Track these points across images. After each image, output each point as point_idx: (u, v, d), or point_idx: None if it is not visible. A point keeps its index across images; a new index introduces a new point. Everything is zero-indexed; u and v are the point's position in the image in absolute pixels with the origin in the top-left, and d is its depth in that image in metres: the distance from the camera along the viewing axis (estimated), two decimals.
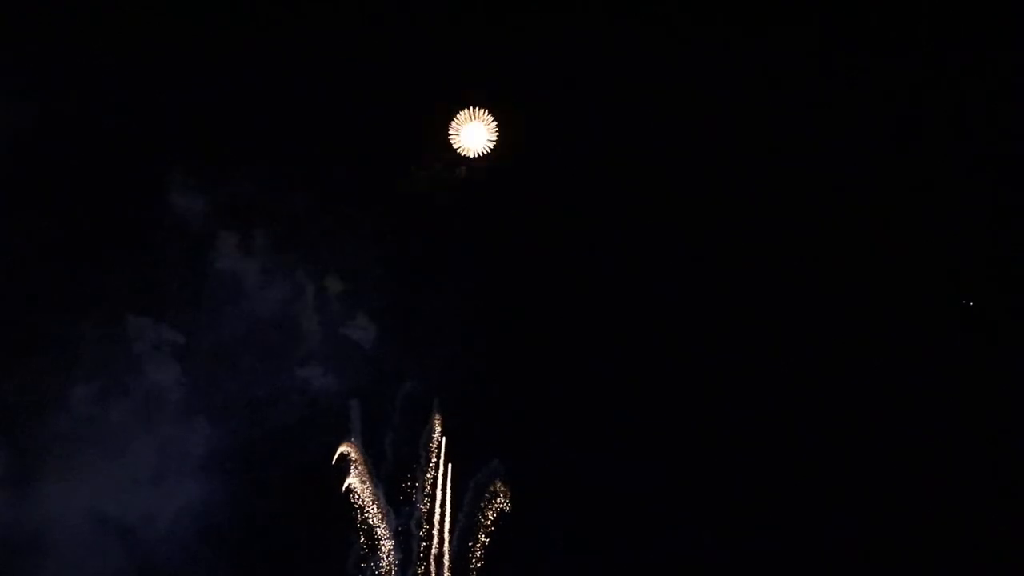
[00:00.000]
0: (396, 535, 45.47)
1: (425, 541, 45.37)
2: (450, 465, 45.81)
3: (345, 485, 45.06)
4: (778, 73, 46.05)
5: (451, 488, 45.66)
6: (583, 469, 46.44)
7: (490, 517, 45.41)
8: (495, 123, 46.42)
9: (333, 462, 45.21)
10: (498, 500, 45.35)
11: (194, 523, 44.43)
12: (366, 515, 45.47)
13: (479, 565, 45.12)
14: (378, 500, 45.69)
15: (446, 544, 45.13)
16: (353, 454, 45.48)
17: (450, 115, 46.15)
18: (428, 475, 45.83)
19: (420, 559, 45.21)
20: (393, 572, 45.18)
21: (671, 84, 45.67)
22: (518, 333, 46.82)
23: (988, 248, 46.32)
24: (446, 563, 45.00)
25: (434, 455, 45.89)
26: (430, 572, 45.09)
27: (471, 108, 46.13)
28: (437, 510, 45.38)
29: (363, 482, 45.46)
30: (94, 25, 45.10)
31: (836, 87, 46.57)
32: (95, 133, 45.28)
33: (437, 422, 46.22)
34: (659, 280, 47.15)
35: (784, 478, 45.93)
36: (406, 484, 45.61)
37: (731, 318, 47.14)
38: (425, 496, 45.64)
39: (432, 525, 45.37)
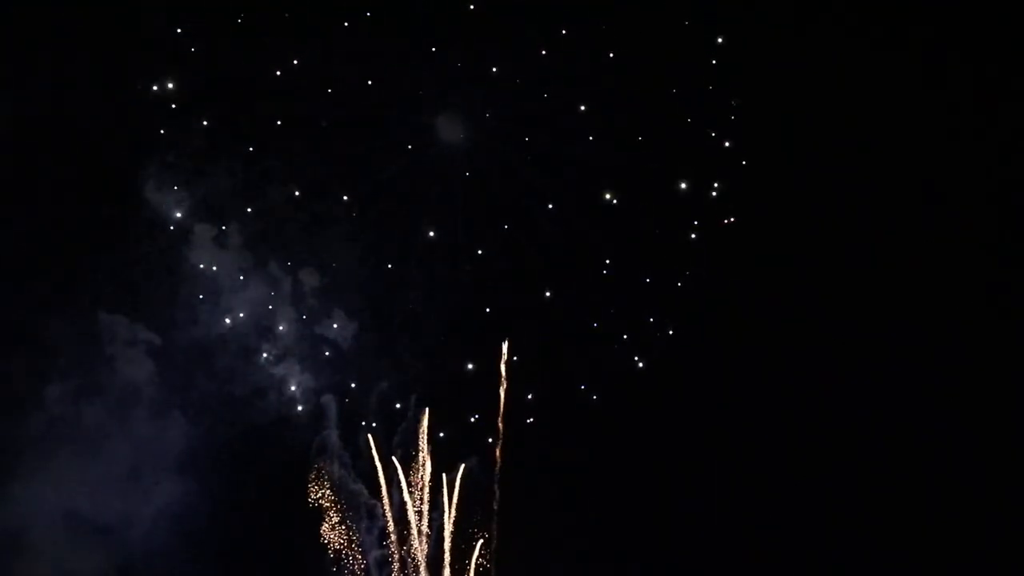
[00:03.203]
0: (375, 534, 45.26)
1: (405, 539, 45.11)
2: (428, 463, 45.48)
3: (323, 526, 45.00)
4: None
5: (429, 485, 45.36)
6: (569, 468, 46.31)
7: (469, 516, 45.21)
8: None
9: (309, 497, 45.00)
10: (477, 499, 45.18)
11: (171, 522, 44.25)
12: (345, 513, 45.23)
13: (455, 563, 44.87)
14: (359, 497, 45.47)
15: (424, 542, 44.87)
16: (330, 455, 45.29)
17: None
18: (408, 473, 45.56)
19: (398, 557, 44.94)
20: (372, 571, 44.95)
21: None
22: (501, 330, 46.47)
23: None
24: (423, 561, 44.72)
25: (414, 453, 45.60)
26: (408, 570, 44.83)
27: None
28: (413, 508, 45.10)
29: (341, 481, 45.24)
30: (66, 18, 44.45)
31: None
32: (67, 127, 44.56)
33: (419, 421, 45.95)
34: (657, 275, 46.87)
35: (786, 482, 46.11)
36: (382, 483, 45.30)
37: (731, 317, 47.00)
38: (407, 493, 45.39)
39: (410, 523, 45.09)
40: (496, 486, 45.23)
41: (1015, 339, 46.05)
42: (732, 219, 44.78)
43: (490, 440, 45.29)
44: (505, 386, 45.40)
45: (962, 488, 45.46)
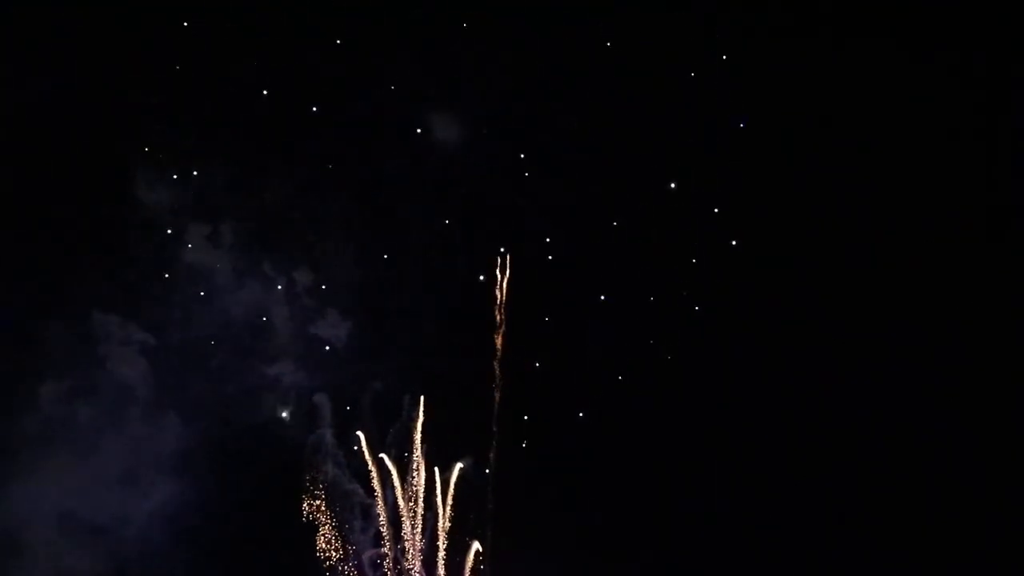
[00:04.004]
0: (369, 534, 45.33)
1: (399, 540, 45.20)
2: (422, 463, 45.48)
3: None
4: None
5: (423, 485, 45.35)
6: (565, 469, 46.34)
7: (465, 516, 45.25)
8: None
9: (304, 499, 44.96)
10: (472, 499, 45.16)
11: (167, 522, 44.24)
12: (339, 514, 45.32)
13: (448, 562, 44.95)
14: (353, 497, 45.52)
15: (417, 542, 44.96)
16: (324, 454, 45.32)
17: None
18: (404, 473, 45.58)
19: (393, 558, 45.05)
20: (367, 571, 45.09)
21: None
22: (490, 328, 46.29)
23: None
24: (417, 561, 44.85)
25: (407, 455, 45.59)
26: (402, 570, 44.96)
27: None
28: (407, 509, 45.12)
29: (335, 481, 45.28)
30: (61, 18, 44.16)
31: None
32: (59, 124, 44.29)
33: (412, 419, 45.90)
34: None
35: (784, 486, 45.96)
36: (375, 484, 45.29)
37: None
38: (401, 494, 45.39)
39: (404, 524, 45.16)
40: (490, 487, 45.33)
41: (1012, 342, 45.92)
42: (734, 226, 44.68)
43: (485, 441, 45.47)
44: (505, 297, 45.13)
45: (962, 488, 45.26)
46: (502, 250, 44.73)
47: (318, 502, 45.02)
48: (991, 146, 45.00)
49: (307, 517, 44.83)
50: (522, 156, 44.71)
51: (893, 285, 45.65)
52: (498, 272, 45.38)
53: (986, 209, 45.34)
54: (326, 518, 45.09)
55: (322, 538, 44.85)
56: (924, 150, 44.84)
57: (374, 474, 45.31)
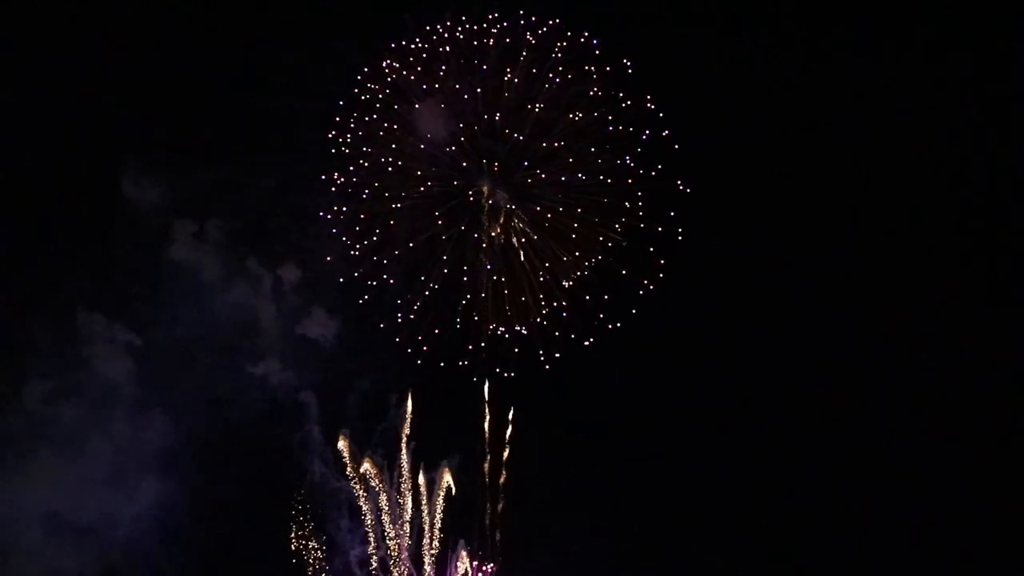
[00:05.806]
0: (357, 532, 45.39)
1: (385, 538, 45.20)
2: (408, 460, 45.38)
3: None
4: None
5: (411, 482, 45.29)
6: (547, 465, 46.16)
7: (448, 512, 45.23)
8: None
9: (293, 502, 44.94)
10: (455, 495, 45.12)
11: (153, 521, 44.39)
12: (326, 512, 45.38)
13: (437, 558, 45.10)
14: (339, 496, 45.55)
15: (404, 541, 44.98)
16: (311, 453, 45.30)
17: None
18: (392, 471, 45.47)
19: (379, 555, 45.13)
20: (354, 569, 45.19)
21: None
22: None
23: None
24: (406, 558, 44.94)
25: (396, 450, 45.47)
26: (389, 567, 45.05)
27: None
28: (393, 507, 45.12)
29: (322, 479, 45.26)
30: (47, 15, 44.17)
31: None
32: (46, 124, 44.23)
33: (400, 417, 45.71)
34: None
35: (781, 492, 46.29)
36: (361, 483, 45.18)
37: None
38: (389, 492, 45.34)
39: (393, 522, 45.17)
40: (479, 485, 45.32)
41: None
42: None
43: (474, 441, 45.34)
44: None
45: (961, 485, 45.68)
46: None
47: (305, 502, 45.05)
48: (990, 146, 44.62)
49: (294, 517, 44.89)
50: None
51: (893, 285, 45.59)
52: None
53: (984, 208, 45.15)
54: (312, 517, 45.17)
55: (309, 537, 44.92)
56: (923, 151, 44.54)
57: (358, 474, 45.37)
